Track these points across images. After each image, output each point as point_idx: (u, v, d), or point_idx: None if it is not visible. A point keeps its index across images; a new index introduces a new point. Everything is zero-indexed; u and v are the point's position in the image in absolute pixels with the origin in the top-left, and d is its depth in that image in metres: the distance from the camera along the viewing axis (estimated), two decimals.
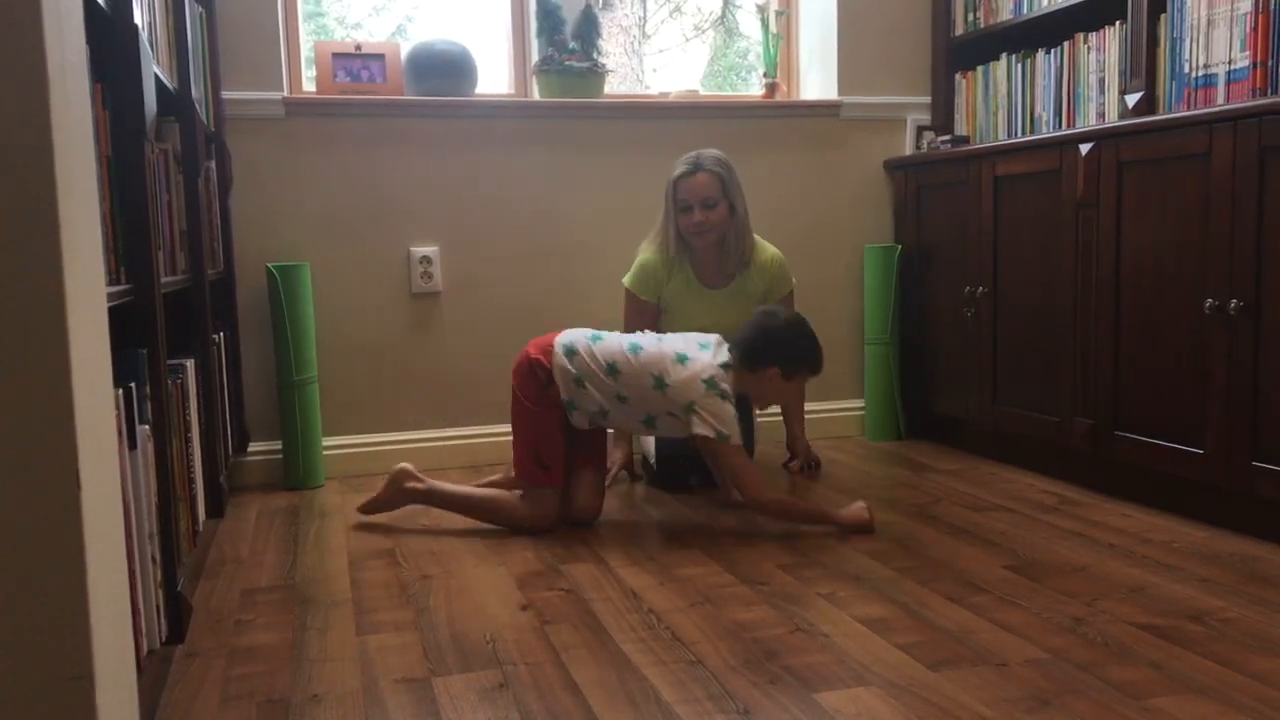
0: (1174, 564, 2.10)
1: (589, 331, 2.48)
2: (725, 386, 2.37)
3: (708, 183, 2.82)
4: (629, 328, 2.94)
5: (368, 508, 2.56)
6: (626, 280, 2.94)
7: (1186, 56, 2.54)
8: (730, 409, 2.36)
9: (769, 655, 1.70)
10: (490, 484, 2.69)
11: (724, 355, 2.42)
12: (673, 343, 2.45)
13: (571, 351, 2.41)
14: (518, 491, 2.50)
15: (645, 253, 2.94)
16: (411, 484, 2.52)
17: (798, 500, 2.58)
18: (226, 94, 2.92)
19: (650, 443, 2.85)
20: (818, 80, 3.54)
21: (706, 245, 2.87)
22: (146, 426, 1.58)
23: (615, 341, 2.44)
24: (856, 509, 2.39)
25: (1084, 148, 2.58)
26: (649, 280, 2.91)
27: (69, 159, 0.91)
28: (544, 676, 1.64)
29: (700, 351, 2.41)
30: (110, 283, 1.45)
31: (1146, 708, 1.48)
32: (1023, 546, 2.25)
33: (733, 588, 2.03)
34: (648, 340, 2.46)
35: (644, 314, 2.92)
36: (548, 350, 2.44)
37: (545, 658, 1.71)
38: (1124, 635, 1.74)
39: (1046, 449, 2.85)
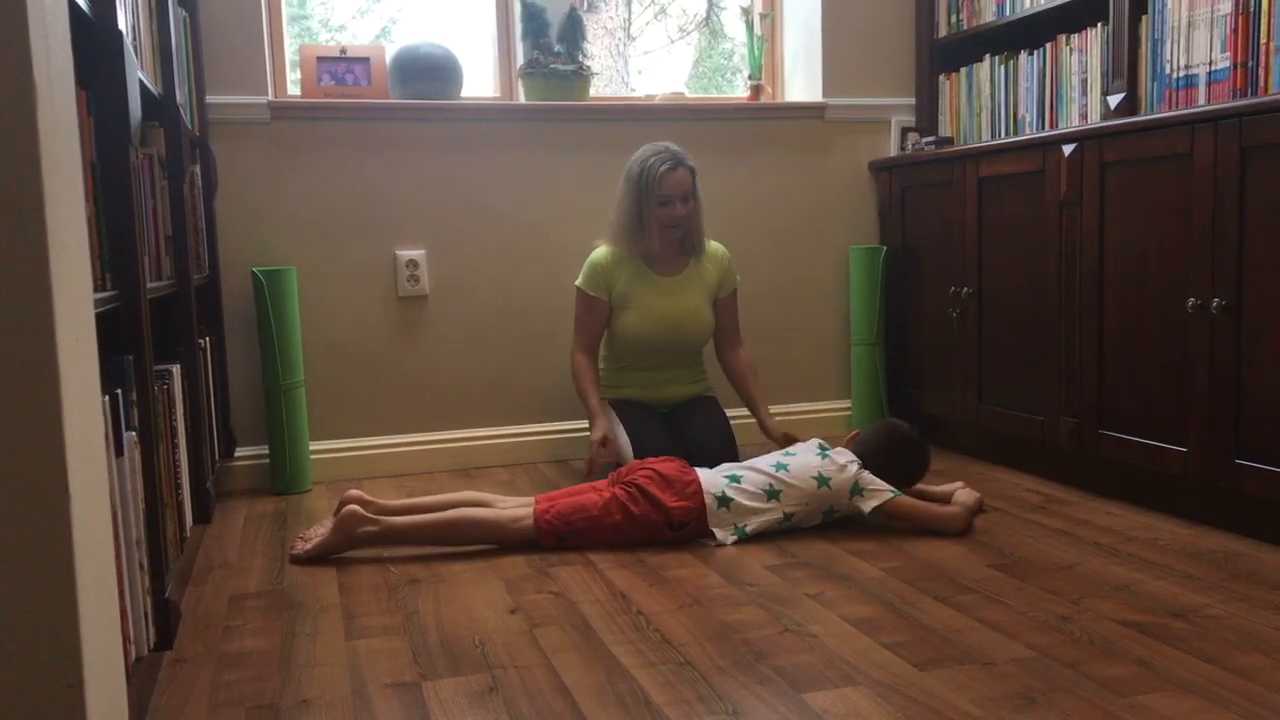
0: (1158, 561, 2.12)
1: (719, 476, 2.41)
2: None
3: (686, 177, 2.89)
4: (580, 326, 2.98)
5: (312, 554, 2.30)
6: (578, 281, 2.98)
7: (1168, 57, 2.56)
8: (876, 477, 2.40)
9: (758, 656, 1.70)
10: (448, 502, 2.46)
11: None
12: (803, 448, 2.51)
13: (724, 500, 2.35)
14: (503, 509, 2.37)
15: (596, 249, 2.99)
16: (364, 529, 2.29)
17: (962, 503, 2.46)
18: (211, 98, 2.92)
19: (627, 446, 2.84)
20: (802, 82, 3.55)
21: (675, 238, 2.95)
22: (133, 433, 1.58)
23: (755, 471, 2.42)
24: (971, 493, 2.51)
25: (1067, 148, 2.60)
26: (599, 278, 2.96)
27: (56, 168, 0.91)
28: (534, 679, 1.64)
29: (830, 450, 2.47)
30: (96, 289, 1.45)
31: (1132, 704, 1.49)
32: (1009, 545, 2.26)
33: (721, 589, 2.03)
34: (781, 456, 2.47)
35: (594, 311, 2.97)
36: (691, 495, 2.35)
37: (535, 660, 1.71)
38: (1109, 632, 1.75)
39: (1032, 448, 2.87)
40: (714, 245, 3.05)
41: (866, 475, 2.39)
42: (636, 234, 2.91)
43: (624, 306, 2.96)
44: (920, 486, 2.56)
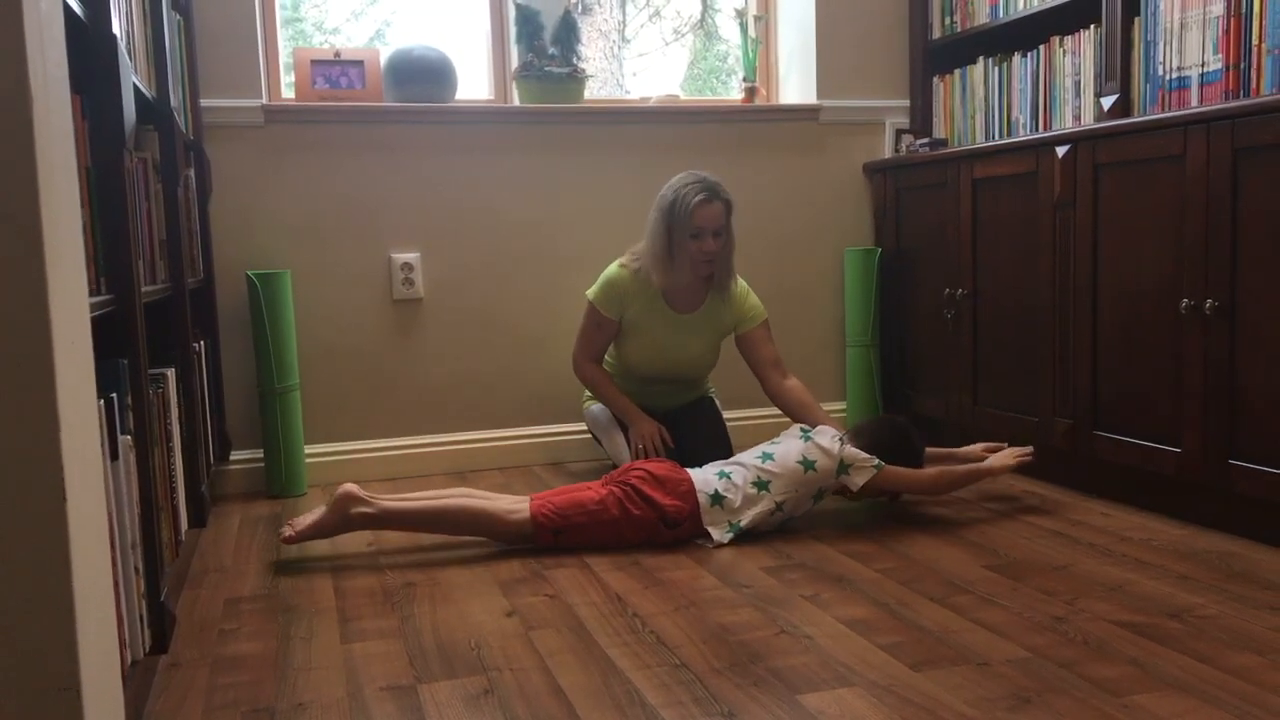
0: (1153, 562, 2.12)
1: (710, 474, 2.42)
2: (846, 441, 2.47)
3: (722, 212, 2.80)
4: (586, 339, 2.90)
5: (303, 534, 2.30)
6: (591, 294, 2.90)
7: (1160, 59, 2.57)
8: (860, 452, 2.44)
9: (753, 658, 1.70)
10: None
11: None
12: (786, 435, 2.55)
13: (717, 498, 2.36)
14: (502, 504, 2.36)
15: (616, 269, 2.90)
16: (359, 509, 2.29)
17: (953, 469, 2.56)
18: (205, 102, 2.92)
19: (623, 448, 2.84)
20: (797, 84, 3.56)
21: (707, 273, 2.85)
22: (128, 436, 1.58)
23: (743, 466, 2.43)
24: (1002, 457, 2.56)
25: (1061, 150, 2.60)
26: (615, 297, 2.87)
27: (52, 173, 0.91)
28: (529, 682, 1.64)
29: (812, 432, 2.51)
30: (91, 293, 1.45)
31: (1126, 705, 1.49)
32: (1004, 546, 2.26)
33: (717, 591, 2.04)
34: (766, 446, 2.48)
35: (603, 330, 2.89)
36: (684, 495, 2.35)
37: (530, 663, 1.71)
38: (1104, 633, 1.76)
39: None
40: (738, 285, 2.93)
41: (850, 451, 2.42)
42: (666, 266, 2.80)
43: (631, 335, 2.90)
44: (946, 449, 2.70)
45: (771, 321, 3.08)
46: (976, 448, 2.67)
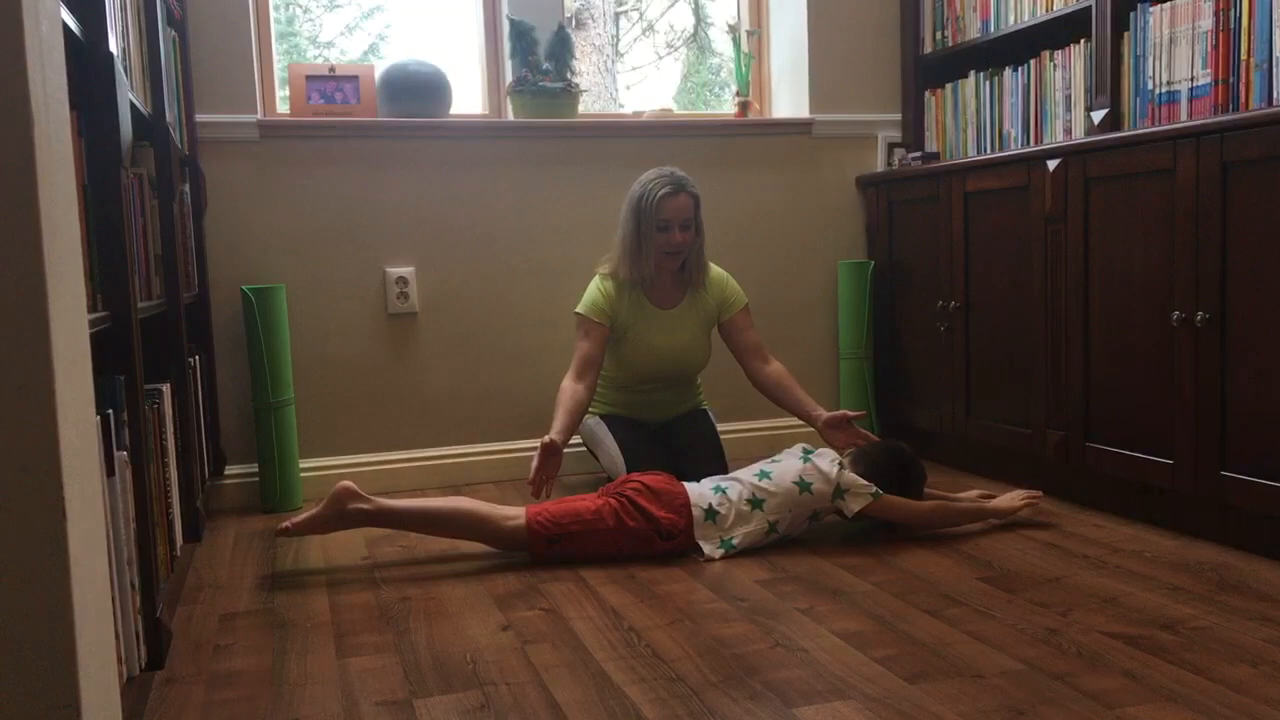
0: (1146, 573, 2.13)
1: (706, 488, 2.42)
2: (846, 465, 2.46)
3: (688, 204, 2.84)
4: (580, 351, 2.87)
5: (300, 528, 2.33)
6: (581, 308, 2.90)
7: (1150, 73, 2.59)
8: (859, 478, 2.42)
9: (748, 671, 1.71)
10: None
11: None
12: (787, 453, 2.52)
13: (711, 513, 2.36)
14: (500, 510, 2.37)
15: (598, 279, 2.93)
16: (356, 504, 2.31)
17: (952, 505, 2.54)
18: (200, 117, 2.92)
19: (618, 461, 2.85)
20: (789, 98, 3.58)
21: (673, 266, 2.90)
22: (124, 453, 1.58)
23: (739, 482, 2.42)
24: (1010, 498, 2.53)
25: (1051, 164, 2.62)
26: (599, 306, 2.88)
27: (52, 193, 0.91)
28: (525, 696, 1.64)
29: (813, 453, 2.49)
30: (88, 310, 1.45)
31: (1120, 716, 1.50)
32: (997, 558, 2.27)
33: (712, 604, 2.04)
34: (765, 464, 2.48)
35: (591, 336, 2.87)
36: (679, 509, 2.36)
37: (526, 677, 1.72)
38: (1097, 645, 1.76)
39: (1019, 460, 2.88)
40: (713, 271, 2.99)
41: (848, 476, 2.41)
42: (634, 258, 2.86)
43: (622, 339, 2.92)
44: (943, 492, 2.65)
45: (766, 333, 3.11)
46: (972, 494, 2.64)
